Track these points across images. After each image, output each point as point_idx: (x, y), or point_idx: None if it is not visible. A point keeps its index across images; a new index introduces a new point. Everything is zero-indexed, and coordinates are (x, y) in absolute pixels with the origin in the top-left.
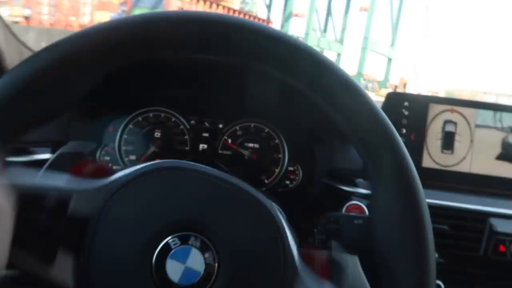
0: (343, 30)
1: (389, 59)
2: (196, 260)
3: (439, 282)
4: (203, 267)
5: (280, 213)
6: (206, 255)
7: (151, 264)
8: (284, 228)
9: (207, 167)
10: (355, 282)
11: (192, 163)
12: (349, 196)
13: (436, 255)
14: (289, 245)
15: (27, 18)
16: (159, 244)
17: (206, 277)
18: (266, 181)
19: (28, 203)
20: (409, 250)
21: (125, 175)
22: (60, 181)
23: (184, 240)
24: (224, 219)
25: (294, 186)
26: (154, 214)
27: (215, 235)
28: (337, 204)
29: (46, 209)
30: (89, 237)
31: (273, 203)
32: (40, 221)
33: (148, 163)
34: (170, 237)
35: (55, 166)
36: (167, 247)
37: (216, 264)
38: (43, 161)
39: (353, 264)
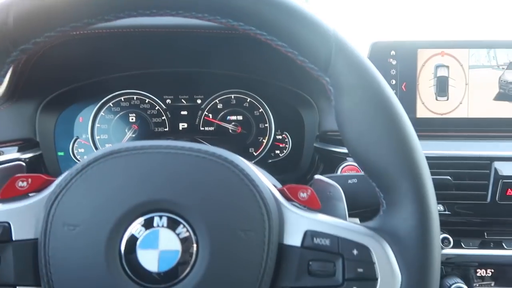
0: None
1: None
2: (169, 240)
3: (446, 235)
4: (179, 243)
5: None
6: (178, 230)
7: (122, 262)
8: (251, 171)
9: (143, 141)
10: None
11: (127, 142)
12: (344, 157)
13: (441, 207)
14: (262, 185)
15: None
16: (122, 239)
17: (187, 251)
18: (255, 153)
19: None
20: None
21: (63, 178)
22: None
23: (148, 225)
24: (181, 185)
25: (285, 155)
26: (105, 209)
27: (179, 206)
28: (332, 168)
29: None
30: (42, 258)
31: (234, 154)
32: None
33: (83, 160)
34: (131, 227)
35: None
36: (132, 238)
37: (192, 234)
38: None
39: (339, 194)
